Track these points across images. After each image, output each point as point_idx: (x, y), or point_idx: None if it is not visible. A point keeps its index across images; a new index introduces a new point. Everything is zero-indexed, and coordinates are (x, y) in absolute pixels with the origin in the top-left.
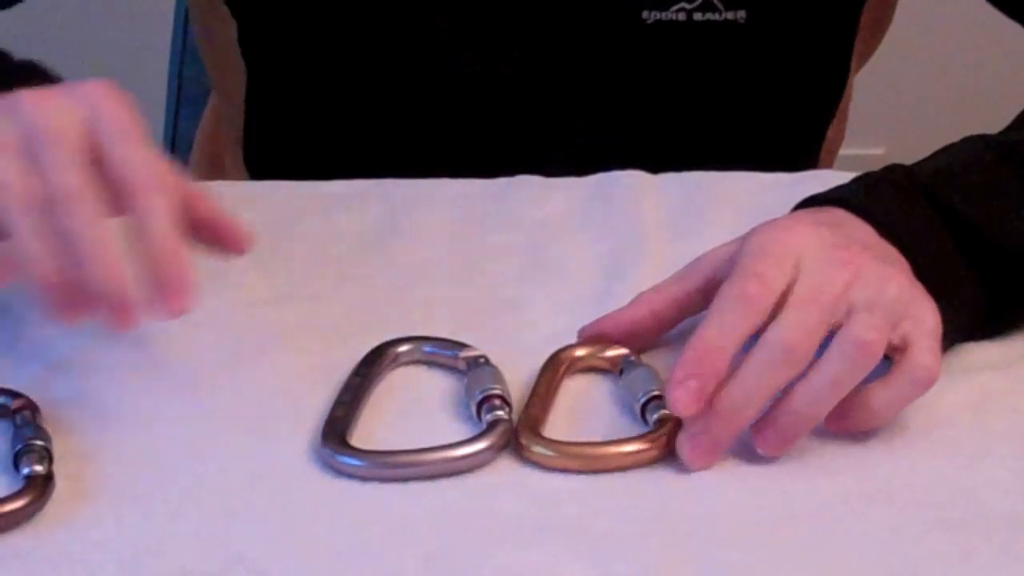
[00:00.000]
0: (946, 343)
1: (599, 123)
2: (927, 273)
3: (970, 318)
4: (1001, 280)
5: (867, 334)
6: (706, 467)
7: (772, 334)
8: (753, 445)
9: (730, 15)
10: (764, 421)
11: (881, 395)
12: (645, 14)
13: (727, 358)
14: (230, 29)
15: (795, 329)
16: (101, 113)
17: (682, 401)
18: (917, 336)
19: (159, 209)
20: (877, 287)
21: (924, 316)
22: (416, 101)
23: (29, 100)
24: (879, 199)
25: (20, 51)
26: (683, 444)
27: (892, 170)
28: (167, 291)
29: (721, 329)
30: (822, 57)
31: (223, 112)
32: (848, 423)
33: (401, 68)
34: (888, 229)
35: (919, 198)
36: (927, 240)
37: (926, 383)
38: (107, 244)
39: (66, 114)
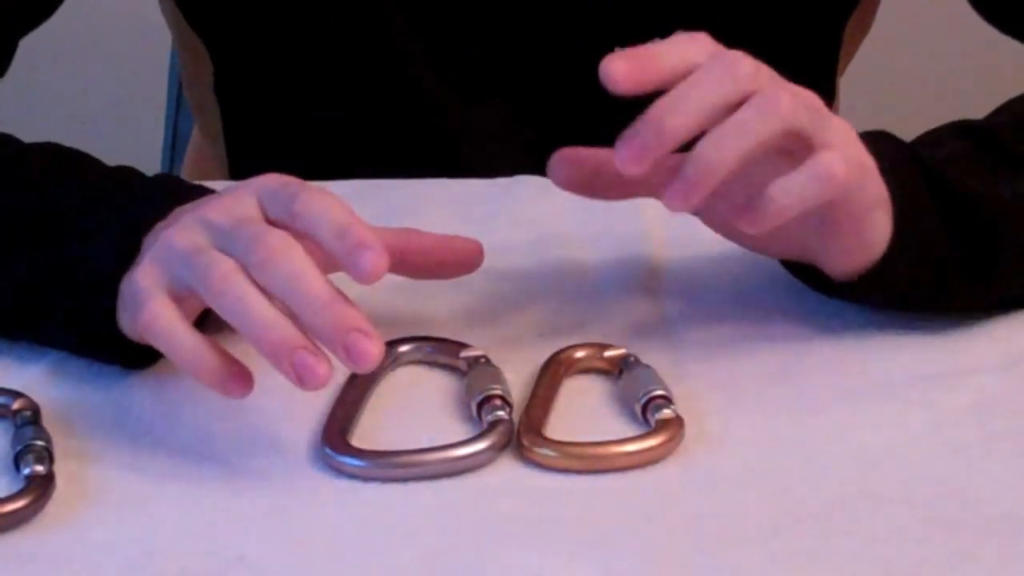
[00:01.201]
0: (904, 251)
1: None
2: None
3: (931, 236)
4: (968, 227)
5: (776, 93)
6: (639, 171)
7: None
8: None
9: None
10: (675, 176)
11: (781, 184)
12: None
13: (682, 124)
14: (207, 72)
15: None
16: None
17: (622, 154)
18: (828, 139)
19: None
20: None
21: (838, 127)
22: (401, 149)
23: (211, 206)
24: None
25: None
26: (619, 148)
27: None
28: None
29: (675, 96)
30: (803, 83)
31: (207, 151)
32: (754, 215)
33: (385, 118)
34: None
35: (888, 144)
36: (887, 158)
37: (831, 181)
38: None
39: (245, 200)
